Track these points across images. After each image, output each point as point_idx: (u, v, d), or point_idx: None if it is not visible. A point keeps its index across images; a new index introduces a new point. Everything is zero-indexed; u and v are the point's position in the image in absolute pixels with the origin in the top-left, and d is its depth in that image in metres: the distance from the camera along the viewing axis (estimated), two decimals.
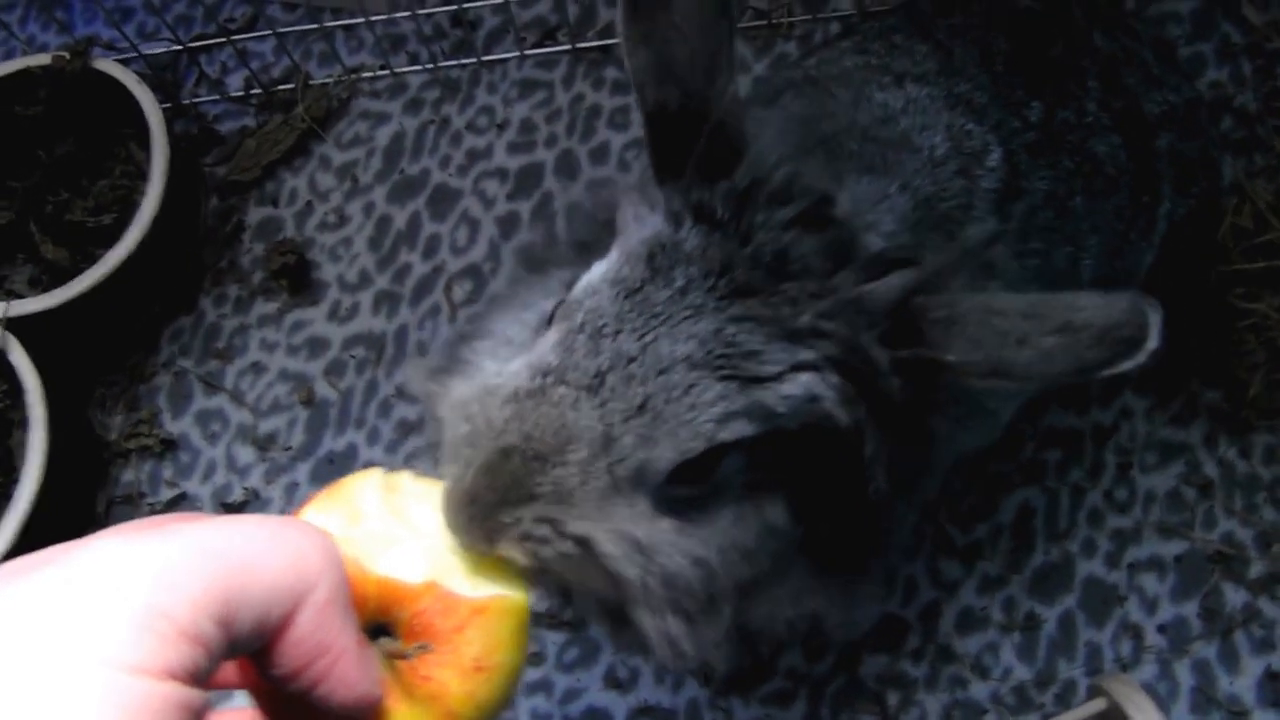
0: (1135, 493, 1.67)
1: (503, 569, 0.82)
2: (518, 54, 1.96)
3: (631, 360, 0.83)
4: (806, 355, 0.85)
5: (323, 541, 0.65)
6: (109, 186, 1.82)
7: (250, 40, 1.99)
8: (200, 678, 0.56)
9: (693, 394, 0.83)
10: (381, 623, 0.74)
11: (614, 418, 0.83)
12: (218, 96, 1.99)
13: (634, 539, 0.85)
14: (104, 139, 1.86)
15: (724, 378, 0.83)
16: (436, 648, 0.73)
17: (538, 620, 1.64)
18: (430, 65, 1.96)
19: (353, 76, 1.97)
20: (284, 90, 1.98)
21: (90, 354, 1.82)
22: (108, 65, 1.80)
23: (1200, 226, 1.51)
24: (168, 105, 1.96)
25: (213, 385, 1.81)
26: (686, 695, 1.61)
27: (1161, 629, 1.61)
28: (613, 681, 1.62)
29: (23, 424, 1.62)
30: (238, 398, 1.81)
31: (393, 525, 0.79)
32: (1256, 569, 1.62)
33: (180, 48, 2.01)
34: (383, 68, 1.97)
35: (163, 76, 2.00)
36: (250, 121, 1.98)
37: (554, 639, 1.64)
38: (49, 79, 1.80)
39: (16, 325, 1.66)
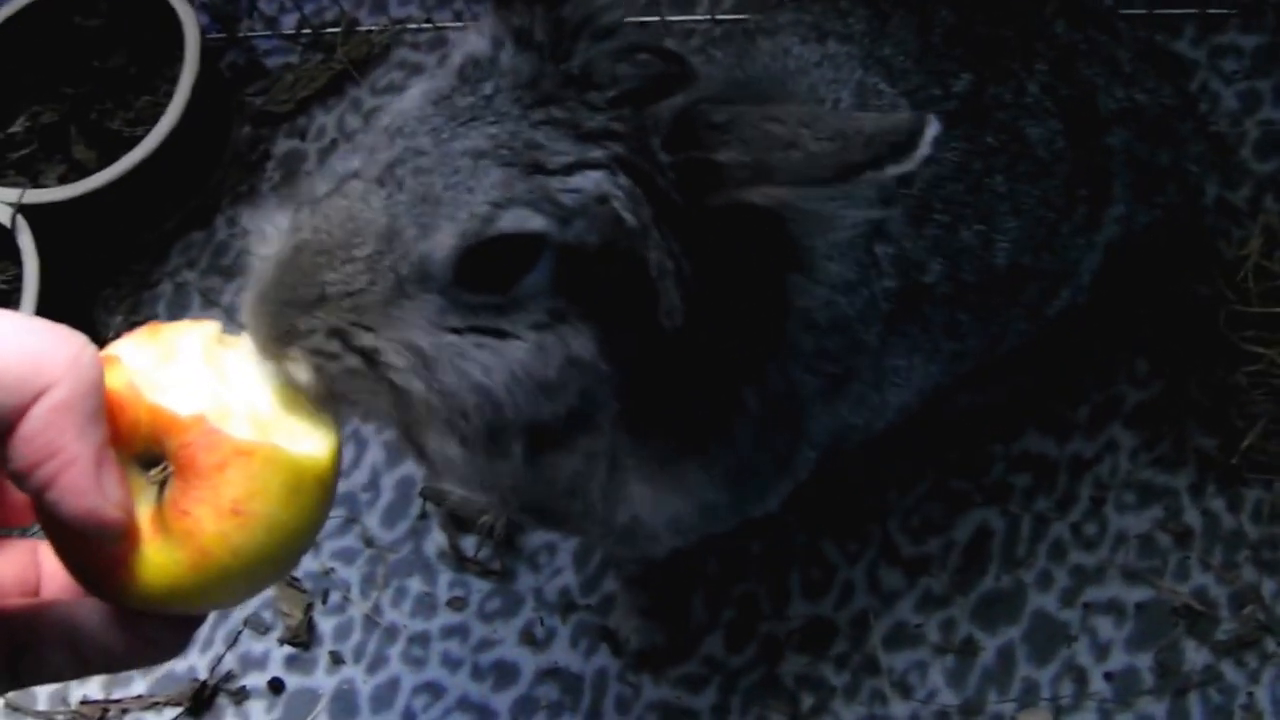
0: (1106, 531, 1.57)
1: (302, 427, 0.80)
2: None
3: (422, 154, 0.82)
4: (596, 153, 0.83)
5: (77, 347, 0.64)
6: (150, 102, 1.90)
7: None
8: None
9: (474, 179, 0.81)
10: (156, 454, 0.73)
11: (398, 209, 0.81)
12: (269, 33, 2.06)
13: (419, 349, 0.82)
14: (155, 57, 1.94)
15: (507, 163, 0.81)
16: (197, 483, 0.72)
17: (462, 565, 1.64)
18: (472, 21, 1.98)
19: (397, 27, 2.01)
20: (331, 33, 2.04)
21: (99, 252, 1.89)
22: None
23: (1172, 242, 1.41)
24: (222, 35, 2.06)
25: (211, 300, 1.86)
26: (597, 664, 1.58)
27: (1109, 676, 1.50)
28: (528, 638, 1.60)
29: (17, 305, 1.69)
30: (231, 314, 1.85)
31: (201, 371, 0.79)
32: (1225, 630, 1.50)
33: None
34: (426, 20, 2.01)
35: (223, 9, 2.08)
36: (295, 59, 2.04)
37: (479, 586, 1.63)
38: None
39: (33, 213, 1.74)
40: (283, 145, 1.98)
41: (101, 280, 1.90)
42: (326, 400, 0.81)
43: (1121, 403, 1.63)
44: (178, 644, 0.75)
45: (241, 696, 1.61)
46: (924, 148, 0.77)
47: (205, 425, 0.72)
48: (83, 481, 0.65)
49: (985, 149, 1.19)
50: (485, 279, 0.82)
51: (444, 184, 0.81)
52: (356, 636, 1.63)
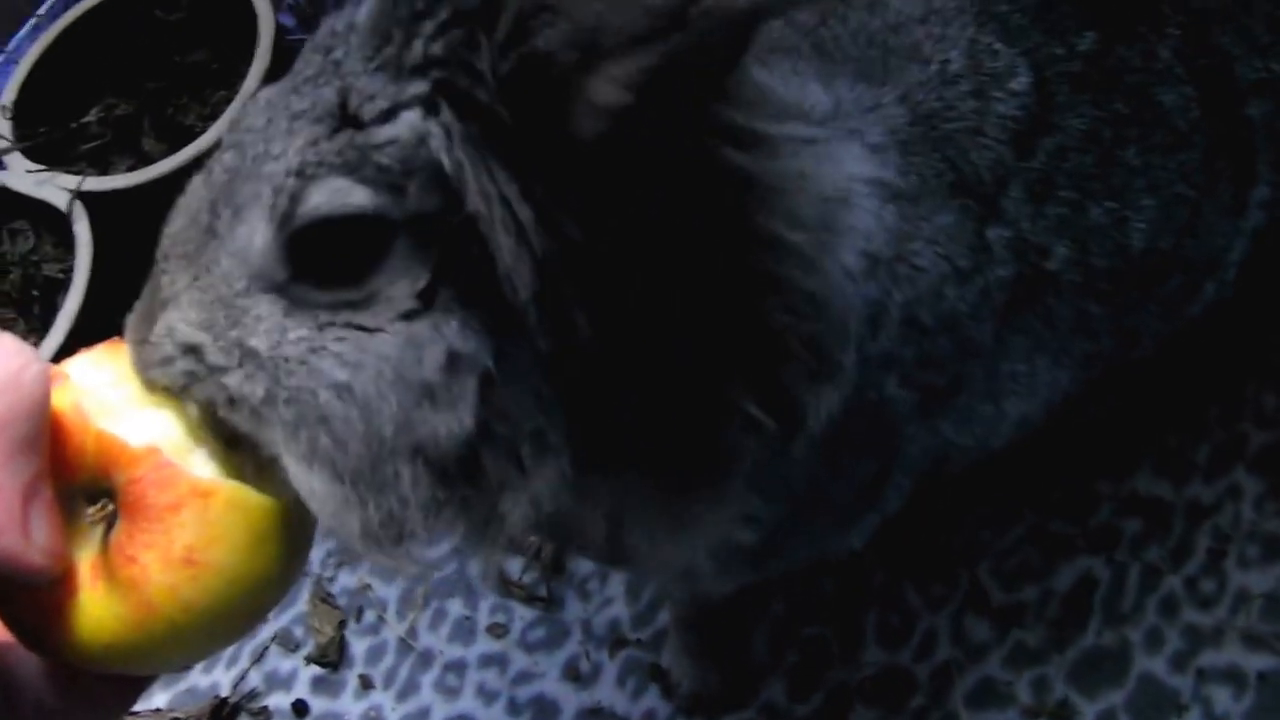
0: (1225, 588, 1.38)
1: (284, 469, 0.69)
2: None
3: (251, 130, 0.68)
4: (414, 89, 0.65)
5: (17, 365, 0.56)
6: (225, 98, 1.85)
7: None
8: None
9: (283, 141, 0.66)
10: (104, 488, 0.63)
11: (215, 191, 0.68)
12: None
13: (249, 348, 0.67)
14: (235, 53, 1.89)
15: (315, 120, 0.65)
16: (147, 526, 0.62)
17: (507, 590, 1.51)
18: None
19: None
20: None
21: (156, 245, 1.82)
22: None
23: None
24: (306, 37, 2.00)
25: None
26: (644, 706, 1.43)
27: None
28: (571, 673, 1.46)
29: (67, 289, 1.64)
30: None
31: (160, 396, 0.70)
32: None
33: None
34: None
35: (306, 10, 2.03)
36: None
37: (522, 613, 1.50)
38: None
39: (92, 202, 1.69)
40: None
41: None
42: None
43: (1246, 443, 1.45)
44: (123, 705, 0.66)
45: (263, 717, 1.50)
46: None
47: (158, 459, 0.62)
48: (2, 518, 0.55)
49: (1115, 116, 1.04)
50: (331, 269, 0.67)
51: (254, 153, 0.67)
52: (389, 660, 1.51)
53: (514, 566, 1.53)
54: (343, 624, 1.55)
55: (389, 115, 0.65)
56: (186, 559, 0.61)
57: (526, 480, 0.73)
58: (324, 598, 1.56)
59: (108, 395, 0.66)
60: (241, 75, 1.84)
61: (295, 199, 0.65)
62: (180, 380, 0.68)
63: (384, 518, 0.69)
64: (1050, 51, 1.04)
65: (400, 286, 0.67)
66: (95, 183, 1.70)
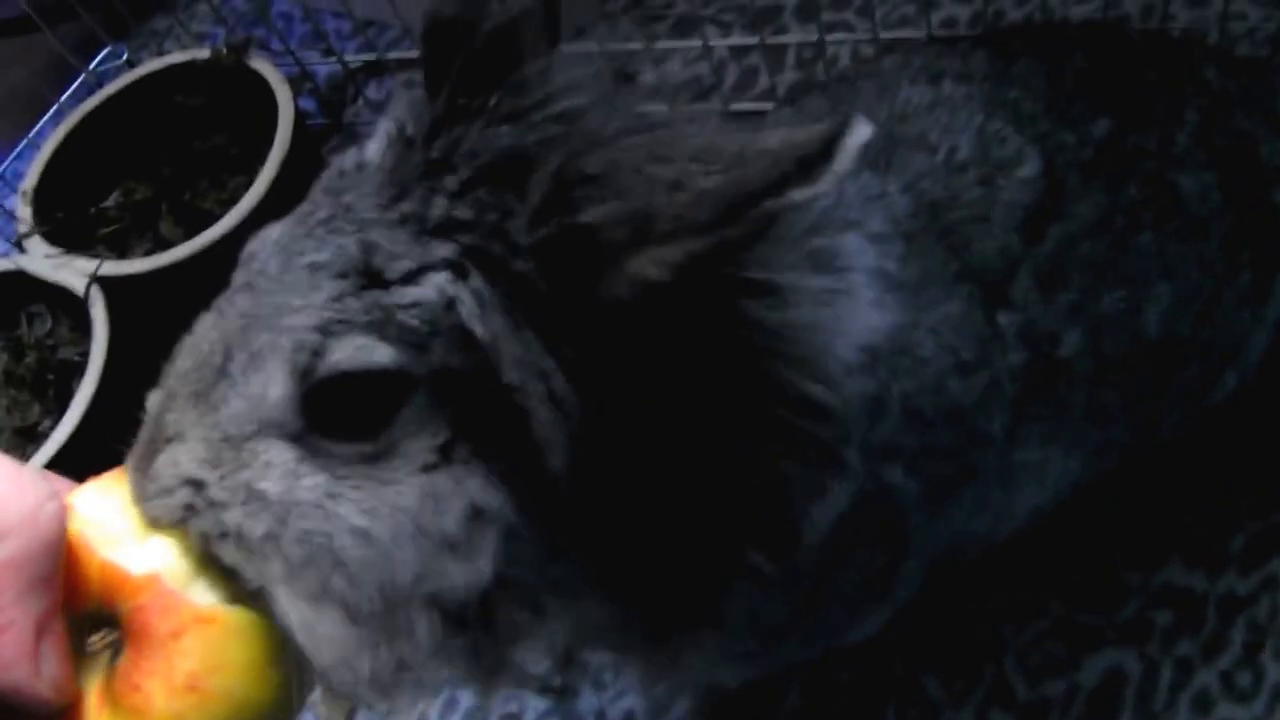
0: (1262, 683, 1.32)
1: None
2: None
3: (264, 274, 0.69)
4: (441, 251, 0.66)
5: (36, 501, 0.58)
6: (245, 182, 1.86)
7: (416, 72, 2.01)
8: None
9: (304, 296, 0.66)
10: (110, 615, 0.65)
11: (230, 336, 0.68)
12: (374, 119, 2.00)
13: (256, 490, 0.67)
14: (256, 138, 1.90)
15: (339, 274, 0.66)
16: (150, 653, 0.63)
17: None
18: None
19: None
20: None
21: (176, 330, 1.82)
22: (260, 64, 1.86)
23: None
24: (328, 122, 2.03)
25: None
26: None
27: None
28: None
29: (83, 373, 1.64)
30: None
31: None
32: None
33: (344, 68, 2.06)
34: None
35: (330, 96, 2.06)
36: None
37: (535, 704, 1.46)
38: (209, 72, 1.88)
39: (110, 286, 1.70)
40: None
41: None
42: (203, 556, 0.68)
43: None
44: None
45: None
46: (844, 160, 0.58)
47: (159, 586, 0.64)
48: (13, 652, 0.57)
49: (1129, 202, 1.03)
50: (348, 422, 0.67)
51: (274, 302, 0.67)
52: None
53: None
54: (353, 711, 1.51)
55: (415, 276, 0.66)
56: (190, 685, 0.62)
57: (544, 624, 0.75)
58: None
59: (112, 524, 0.67)
60: (261, 160, 1.86)
61: (317, 354, 0.65)
62: (178, 513, 0.67)
63: (396, 663, 0.69)
64: (1061, 139, 1.04)
65: (418, 441, 0.67)
66: (112, 267, 1.71)
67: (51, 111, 2.11)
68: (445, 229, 0.66)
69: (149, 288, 1.71)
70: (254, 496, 0.67)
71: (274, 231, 0.73)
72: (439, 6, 0.75)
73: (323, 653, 0.67)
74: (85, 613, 0.65)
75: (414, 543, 0.67)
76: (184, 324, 1.90)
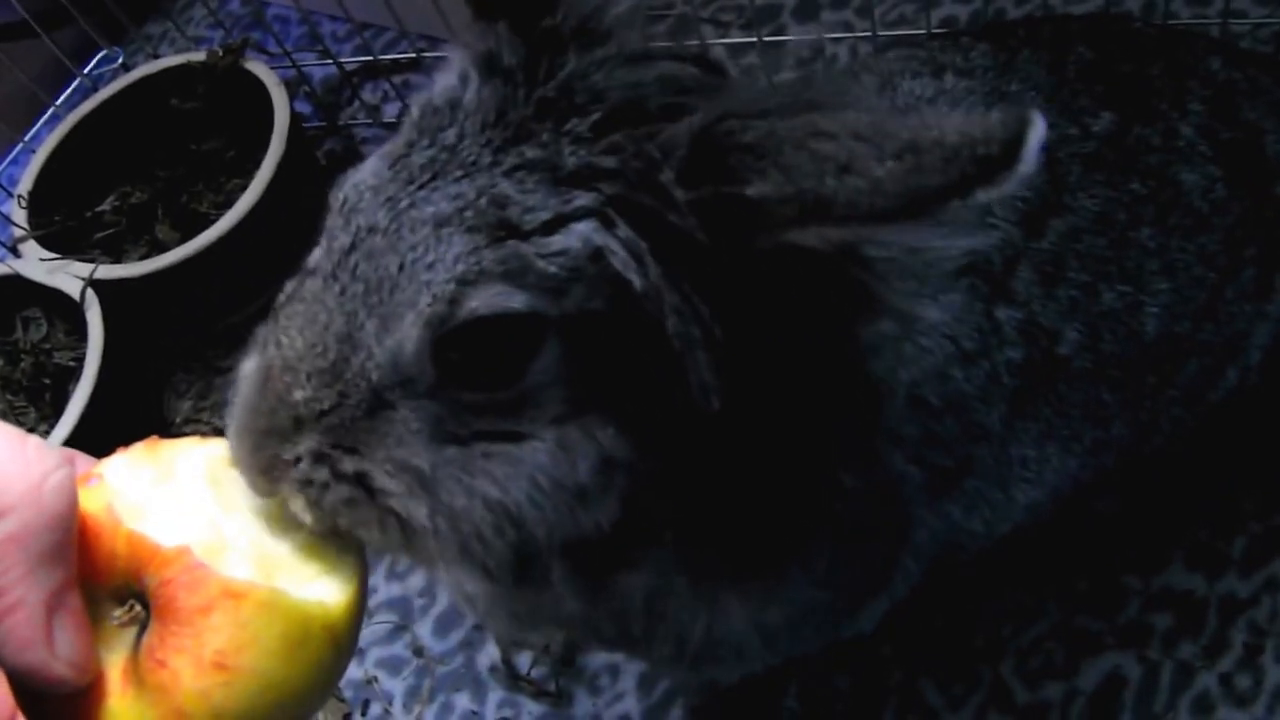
0: (1263, 685, 1.31)
1: (316, 570, 0.70)
2: None
3: (377, 231, 0.67)
4: (581, 200, 0.66)
5: (40, 473, 0.57)
6: (240, 186, 1.85)
7: (412, 74, 2.01)
8: None
9: (434, 251, 0.66)
10: (136, 590, 0.64)
11: (355, 303, 0.67)
12: (370, 121, 2.01)
13: (414, 468, 0.68)
14: (252, 141, 1.89)
15: (471, 228, 0.65)
16: (177, 629, 0.61)
17: (515, 684, 1.47)
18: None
19: None
20: None
21: (172, 334, 1.83)
22: (256, 67, 1.85)
23: None
24: (324, 124, 2.03)
25: None
26: None
27: None
28: None
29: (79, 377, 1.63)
30: None
31: (202, 495, 0.69)
32: None
33: (340, 70, 2.05)
34: None
35: (326, 99, 2.06)
36: None
37: (531, 708, 1.45)
38: (205, 75, 1.87)
39: (105, 290, 1.69)
40: None
41: (174, 364, 1.83)
42: (336, 538, 0.70)
43: None
44: None
45: None
46: (1029, 160, 0.57)
47: (189, 559, 0.62)
48: (26, 631, 0.56)
49: (1131, 197, 1.02)
50: (481, 371, 0.67)
51: (399, 263, 0.66)
52: None
53: (523, 660, 1.49)
54: (348, 717, 1.50)
55: (554, 226, 0.66)
56: (218, 663, 0.61)
57: (659, 554, 0.79)
58: None
59: (143, 496, 0.65)
60: (257, 163, 1.85)
61: (454, 303, 0.65)
62: (338, 506, 0.69)
63: (532, 609, 0.75)
64: (1064, 132, 1.03)
65: (550, 391, 0.68)
66: (107, 271, 1.71)
67: (47, 115, 2.11)
68: (583, 177, 0.66)
69: (145, 291, 1.71)
70: (410, 474, 0.68)
71: (365, 177, 0.71)
72: None
73: (471, 609, 0.74)
74: (111, 587, 0.63)
75: (548, 499, 0.69)
76: (181, 327, 1.89)
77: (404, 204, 0.67)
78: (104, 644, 0.63)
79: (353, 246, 0.68)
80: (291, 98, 1.85)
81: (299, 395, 0.68)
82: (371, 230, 0.67)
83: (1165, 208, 1.04)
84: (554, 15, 0.71)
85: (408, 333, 0.66)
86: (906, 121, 0.62)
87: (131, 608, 0.63)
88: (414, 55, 1.99)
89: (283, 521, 0.71)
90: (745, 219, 0.64)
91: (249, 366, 0.72)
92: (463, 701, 1.49)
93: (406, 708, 1.50)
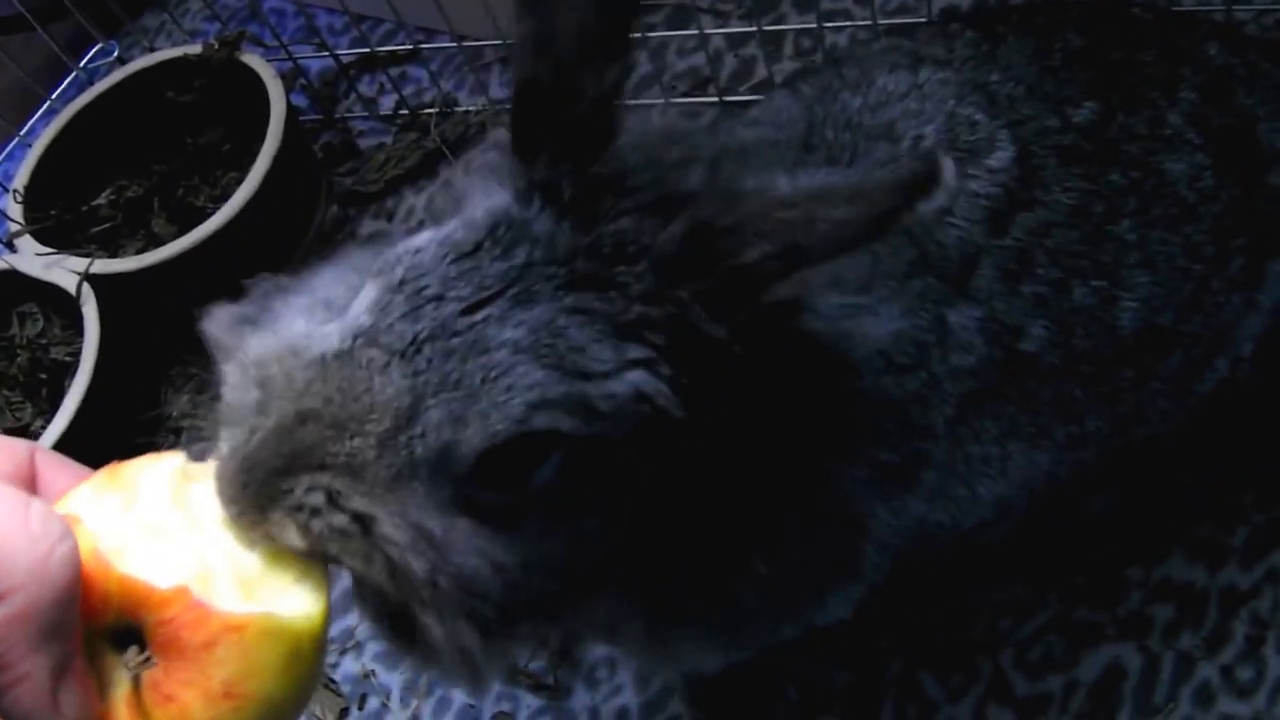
0: (1264, 676, 1.31)
1: (291, 579, 0.73)
2: (662, 101, 1.86)
3: (455, 334, 0.75)
4: (636, 353, 0.77)
5: (45, 549, 0.58)
6: (237, 179, 1.85)
7: (410, 66, 2.01)
8: None
9: (511, 376, 0.74)
10: (131, 626, 0.66)
11: (425, 390, 0.74)
12: (366, 114, 2.01)
13: (424, 529, 0.75)
14: (249, 134, 1.89)
15: (547, 365, 0.75)
16: (182, 664, 0.64)
17: (514, 678, 1.46)
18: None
19: (496, 107, 1.93)
20: (428, 113, 1.97)
21: (169, 328, 1.80)
22: (252, 59, 1.84)
23: None
24: (320, 118, 2.02)
25: None
26: None
27: None
28: None
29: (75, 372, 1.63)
30: None
31: (171, 517, 0.71)
32: None
33: (337, 62, 2.05)
34: None
35: (322, 92, 2.05)
36: (389, 140, 1.98)
37: (529, 701, 1.45)
38: (201, 68, 1.87)
39: (102, 285, 1.69)
40: (369, 227, 1.90)
41: (170, 358, 1.83)
42: (314, 556, 0.75)
43: None
44: None
45: None
46: (949, 177, 0.70)
47: (189, 599, 0.64)
48: (31, 700, 0.58)
49: (1110, 189, 1.01)
50: (498, 477, 0.77)
51: (480, 376, 0.75)
52: None
53: (520, 653, 1.48)
54: (345, 712, 1.50)
55: (612, 374, 0.76)
56: (226, 693, 0.64)
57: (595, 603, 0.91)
58: (327, 684, 1.52)
59: (119, 530, 0.67)
60: (254, 156, 1.85)
61: (519, 423, 0.74)
62: (329, 538, 0.74)
63: (512, 659, 0.90)
64: (1041, 124, 1.02)
65: (548, 493, 0.78)
66: (103, 265, 1.71)
67: (43, 109, 2.11)
68: (636, 328, 0.77)
69: (141, 285, 1.70)
70: (422, 536, 0.74)
71: (426, 261, 0.78)
72: (535, 70, 0.81)
73: (457, 658, 0.79)
74: (105, 624, 0.65)
75: (536, 573, 0.79)
76: (177, 321, 1.90)
77: (480, 316, 0.75)
78: (103, 680, 0.65)
79: (428, 338, 0.75)
80: (288, 90, 1.84)
81: (335, 448, 0.74)
82: (448, 330, 0.75)
83: (1148, 198, 1.03)
84: (604, 164, 0.80)
85: (470, 436, 0.74)
86: (843, 177, 0.84)
87: (147, 658, 0.65)
88: (411, 47, 1.99)
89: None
90: (739, 289, 0.77)
91: (247, 399, 0.76)
92: (460, 695, 1.48)
93: (404, 702, 1.49)
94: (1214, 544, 1.40)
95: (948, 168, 0.70)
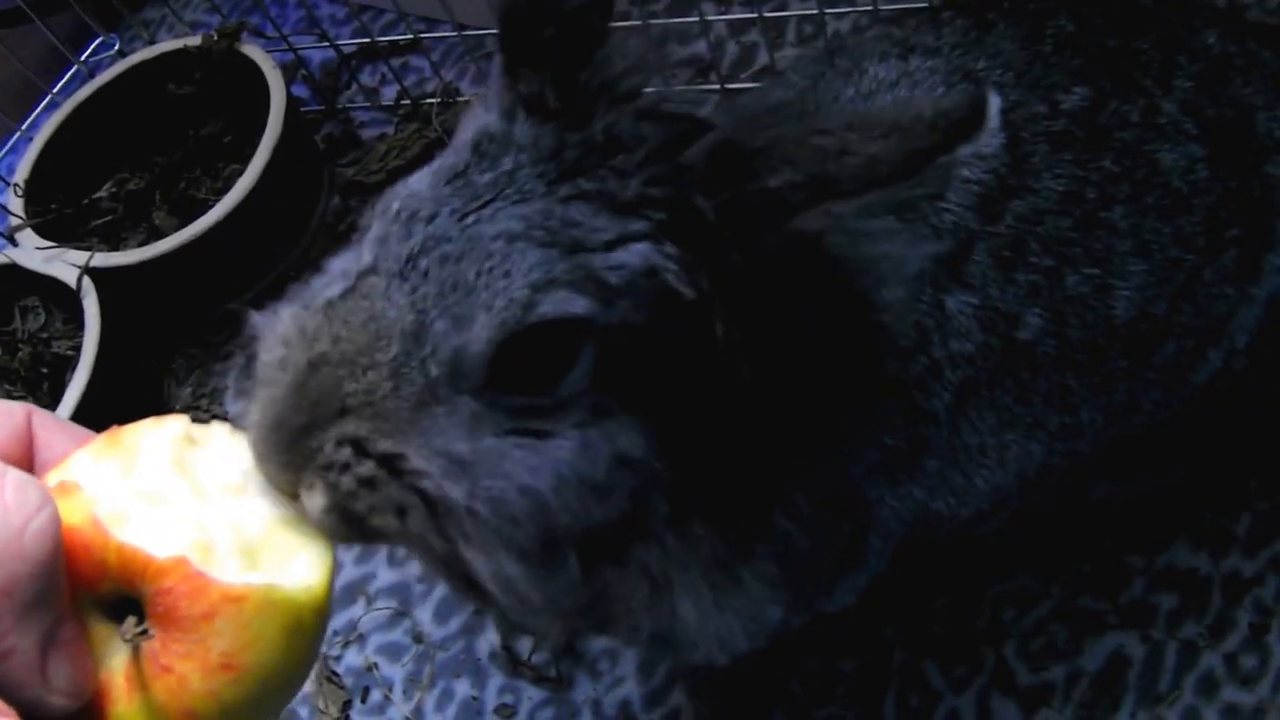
0: (1268, 664, 1.30)
1: (294, 549, 0.71)
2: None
3: (447, 240, 0.74)
4: (637, 225, 0.76)
5: (22, 518, 0.57)
6: (238, 171, 1.84)
7: (411, 56, 2.01)
8: None
9: (509, 262, 0.73)
10: (128, 595, 0.64)
11: (426, 302, 0.73)
12: (368, 104, 2.00)
13: (453, 453, 0.73)
14: (250, 126, 1.88)
15: (544, 244, 0.74)
16: (180, 636, 0.63)
17: (516, 670, 1.46)
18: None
19: None
20: (429, 103, 1.96)
21: (171, 320, 1.83)
22: (252, 51, 1.84)
23: None
24: (321, 108, 2.02)
25: None
26: None
27: None
28: None
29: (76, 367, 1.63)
30: None
31: (172, 483, 0.69)
32: None
33: (338, 53, 2.04)
34: None
35: (323, 83, 2.05)
36: (391, 130, 1.98)
37: (531, 693, 1.45)
38: (201, 60, 1.86)
39: (103, 278, 1.69)
40: (370, 218, 1.88)
41: (172, 351, 1.83)
42: (341, 523, 0.73)
43: None
44: None
45: None
46: (992, 121, 0.70)
47: (187, 569, 0.63)
48: (20, 674, 0.57)
49: (1102, 176, 1.00)
50: (523, 378, 0.75)
51: (475, 270, 0.73)
52: None
53: (523, 645, 1.48)
54: (348, 704, 1.50)
55: (616, 244, 0.75)
56: (225, 664, 0.63)
57: (645, 551, 0.87)
58: (329, 677, 1.51)
59: (118, 496, 0.66)
60: (254, 147, 1.84)
61: (526, 308, 0.73)
62: (354, 486, 0.72)
63: (554, 596, 0.81)
64: (1031, 110, 1.02)
65: (581, 396, 0.76)
66: (104, 259, 1.71)
67: (44, 103, 2.10)
68: (636, 206, 0.75)
69: (143, 278, 1.70)
70: (452, 461, 0.73)
71: (421, 190, 0.78)
72: None
73: (506, 593, 0.77)
74: (101, 593, 0.64)
75: (570, 491, 0.76)
76: (179, 314, 1.89)
77: (472, 219, 0.74)
78: (100, 650, 0.63)
79: (421, 251, 0.74)
80: (289, 81, 1.84)
81: (351, 387, 0.72)
82: (441, 239, 0.74)
83: (1140, 186, 1.02)
84: (589, 71, 0.80)
85: (478, 334, 0.72)
86: (885, 109, 0.75)
87: (144, 630, 0.64)
88: (412, 37, 1.97)
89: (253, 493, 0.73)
90: (762, 213, 0.75)
91: (272, 357, 0.75)
92: (463, 688, 1.48)
93: (407, 694, 1.49)
94: (1217, 531, 1.39)
95: (994, 104, 0.69)
